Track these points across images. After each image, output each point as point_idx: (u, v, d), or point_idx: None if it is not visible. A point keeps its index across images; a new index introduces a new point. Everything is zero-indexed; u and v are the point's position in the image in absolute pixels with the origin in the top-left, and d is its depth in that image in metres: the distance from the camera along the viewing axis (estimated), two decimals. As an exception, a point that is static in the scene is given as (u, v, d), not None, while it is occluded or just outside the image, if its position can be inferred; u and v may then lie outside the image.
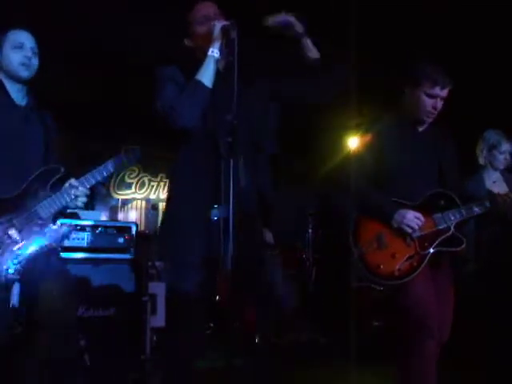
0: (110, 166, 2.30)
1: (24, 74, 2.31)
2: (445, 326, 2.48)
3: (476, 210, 2.56)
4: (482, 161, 3.60)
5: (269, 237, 5.18)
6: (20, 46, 2.30)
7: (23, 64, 2.29)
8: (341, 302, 4.79)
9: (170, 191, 2.43)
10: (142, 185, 7.38)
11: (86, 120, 5.57)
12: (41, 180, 2.25)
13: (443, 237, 2.50)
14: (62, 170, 2.28)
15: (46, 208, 2.21)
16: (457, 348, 3.71)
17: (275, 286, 2.34)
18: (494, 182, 3.54)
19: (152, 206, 6.46)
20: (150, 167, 7.36)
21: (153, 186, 7.44)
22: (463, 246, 2.49)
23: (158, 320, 4.12)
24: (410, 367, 2.39)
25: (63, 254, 3.45)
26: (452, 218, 2.53)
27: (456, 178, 2.67)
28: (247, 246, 2.12)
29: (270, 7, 2.42)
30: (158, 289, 4.22)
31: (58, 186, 2.26)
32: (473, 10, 4.22)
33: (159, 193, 7.46)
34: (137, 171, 7.33)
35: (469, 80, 4.71)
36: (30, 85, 2.42)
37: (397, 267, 2.44)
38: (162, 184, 7.50)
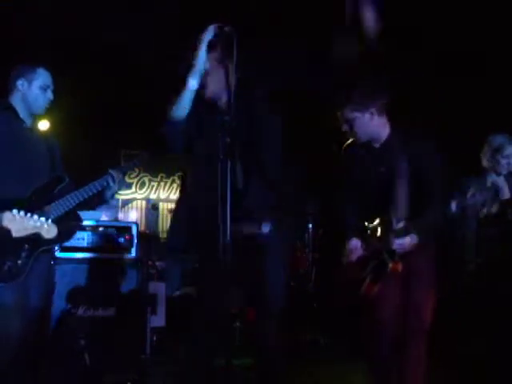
0: (97, 185, 2.54)
1: (43, 112, 2.61)
2: (411, 314, 2.60)
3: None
4: (485, 164, 3.60)
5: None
6: (46, 88, 2.55)
7: (46, 105, 2.58)
8: (341, 302, 4.79)
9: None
10: (142, 185, 7.38)
11: (86, 120, 5.58)
12: (48, 187, 2.51)
13: (374, 262, 2.57)
14: (67, 179, 2.54)
15: (53, 210, 2.44)
16: (457, 348, 3.72)
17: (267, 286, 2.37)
18: (497, 186, 3.54)
19: (152, 206, 6.47)
20: (150, 167, 7.37)
21: (153, 186, 7.45)
22: (388, 269, 2.50)
23: (158, 320, 4.12)
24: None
25: (63, 254, 3.47)
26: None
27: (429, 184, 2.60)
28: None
29: (269, 7, 2.42)
30: (158, 289, 4.22)
31: (62, 192, 2.50)
32: (477, 12, 4.21)
33: (159, 193, 7.46)
34: (137, 171, 7.34)
35: (474, 84, 4.73)
36: None
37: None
38: (162, 184, 7.51)
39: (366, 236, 2.65)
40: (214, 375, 2.36)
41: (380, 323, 2.58)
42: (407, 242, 2.48)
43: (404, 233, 2.47)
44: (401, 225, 2.48)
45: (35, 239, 2.25)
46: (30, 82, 2.52)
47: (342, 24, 4.59)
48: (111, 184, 2.55)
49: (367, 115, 2.59)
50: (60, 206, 2.45)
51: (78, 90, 5.34)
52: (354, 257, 2.63)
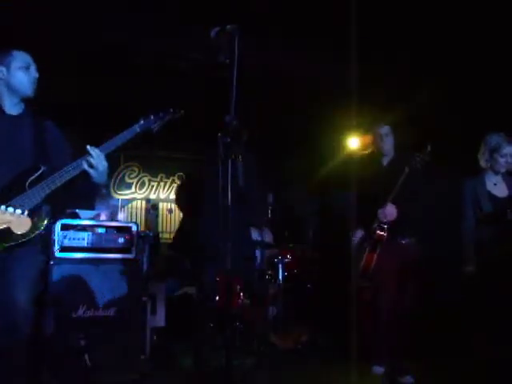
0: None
1: (31, 93, 2.51)
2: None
3: None
4: (483, 163, 3.61)
5: (269, 237, 5.19)
6: (28, 67, 2.47)
7: (32, 83, 2.49)
8: (341, 302, 4.79)
9: None
10: (142, 185, 7.38)
11: (86, 120, 5.57)
12: (20, 178, 2.36)
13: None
14: (42, 168, 2.40)
15: (26, 201, 2.32)
16: (457, 347, 3.72)
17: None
18: (495, 185, 3.55)
19: (152, 206, 6.47)
20: (150, 167, 7.37)
21: (153, 186, 7.44)
22: (375, 235, 3.56)
23: (158, 320, 4.12)
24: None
25: (63, 254, 3.47)
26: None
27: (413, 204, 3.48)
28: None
29: (269, 7, 2.42)
30: (157, 289, 4.22)
31: (35, 182, 2.37)
32: (474, 13, 4.21)
33: (159, 193, 7.46)
34: (137, 171, 7.34)
35: (472, 83, 4.73)
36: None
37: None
38: (161, 184, 7.51)
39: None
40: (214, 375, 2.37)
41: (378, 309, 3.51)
42: (388, 209, 3.45)
43: (383, 204, 3.48)
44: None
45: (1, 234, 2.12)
46: (8, 67, 2.45)
47: (342, 24, 4.59)
48: (92, 161, 2.36)
49: (393, 136, 3.72)
50: (32, 197, 2.31)
51: (78, 90, 5.35)
52: (356, 238, 3.67)
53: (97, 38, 4.71)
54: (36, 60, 2.58)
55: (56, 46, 4.53)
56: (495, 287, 3.24)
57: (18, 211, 2.09)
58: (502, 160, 3.53)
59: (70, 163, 2.38)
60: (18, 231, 2.14)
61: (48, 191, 2.34)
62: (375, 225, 3.53)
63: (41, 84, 2.57)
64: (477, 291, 3.34)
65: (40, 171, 2.38)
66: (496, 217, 3.40)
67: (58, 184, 2.35)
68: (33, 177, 2.36)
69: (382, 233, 3.51)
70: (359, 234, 3.66)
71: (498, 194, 3.50)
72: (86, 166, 2.37)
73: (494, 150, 3.53)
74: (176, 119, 2.62)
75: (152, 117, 2.57)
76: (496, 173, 3.56)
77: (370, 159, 3.87)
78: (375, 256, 3.51)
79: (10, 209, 2.15)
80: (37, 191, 2.34)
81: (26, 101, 2.56)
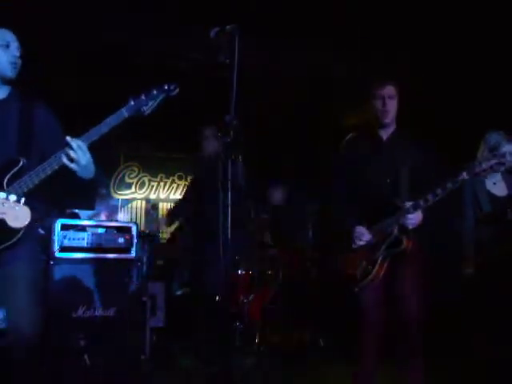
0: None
1: (11, 73, 2.26)
2: (409, 308, 2.74)
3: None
4: (482, 162, 3.60)
5: (266, 237, 5.19)
6: (7, 45, 2.24)
7: (11, 63, 2.24)
8: (341, 302, 4.78)
9: None
10: (142, 185, 7.38)
11: (86, 120, 5.57)
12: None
13: (388, 241, 2.76)
14: (22, 162, 2.13)
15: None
16: (457, 347, 3.72)
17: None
18: (494, 184, 3.54)
19: (152, 206, 6.46)
20: (150, 167, 7.37)
21: (153, 186, 7.44)
22: (403, 246, 2.73)
23: (158, 320, 4.13)
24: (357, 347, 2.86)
25: (63, 254, 3.47)
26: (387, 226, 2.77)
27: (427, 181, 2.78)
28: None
29: (269, 7, 2.42)
30: (157, 289, 4.22)
31: (14, 179, 2.13)
32: (474, 12, 4.22)
33: (159, 193, 7.46)
34: (137, 171, 7.34)
35: (470, 82, 4.72)
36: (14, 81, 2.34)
37: (357, 272, 2.81)
38: (161, 184, 7.51)
39: (370, 223, 2.83)
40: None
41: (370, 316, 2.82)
42: (418, 216, 2.71)
43: (414, 209, 2.69)
44: (410, 203, 2.70)
45: None
46: None
47: (342, 24, 4.59)
48: (72, 154, 2.11)
49: (397, 99, 2.88)
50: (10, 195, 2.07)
51: (78, 90, 5.35)
52: (362, 241, 2.80)
53: (97, 38, 4.71)
54: (36, 60, 2.48)
55: (56, 45, 4.53)
56: (495, 287, 3.24)
57: (13, 197, 1.85)
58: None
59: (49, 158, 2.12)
60: (14, 224, 1.89)
61: (26, 190, 2.09)
62: (396, 233, 2.75)
63: (41, 84, 2.51)
64: (477, 291, 3.34)
65: (19, 165, 2.12)
66: (496, 216, 3.39)
67: (37, 182, 2.10)
68: (10, 173, 2.10)
69: (410, 243, 2.75)
70: (367, 237, 2.80)
71: (498, 193, 3.50)
72: (65, 160, 2.11)
73: (494, 149, 3.53)
74: (171, 97, 2.28)
75: (143, 96, 2.25)
76: (495, 171, 3.56)
77: (364, 134, 3.02)
78: (385, 265, 2.78)
79: (2, 194, 1.84)
80: (14, 190, 2.09)
81: (12, 84, 2.31)
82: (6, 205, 1.90)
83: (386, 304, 2.81)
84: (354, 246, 2.82)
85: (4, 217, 1.92)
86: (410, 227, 2.71)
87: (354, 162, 2.92)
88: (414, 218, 2.70)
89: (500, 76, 4.60)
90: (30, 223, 2.06)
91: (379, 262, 2.75)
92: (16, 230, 2.03)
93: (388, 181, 2.82)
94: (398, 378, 2.79)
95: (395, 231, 2.74)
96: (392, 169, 2.81)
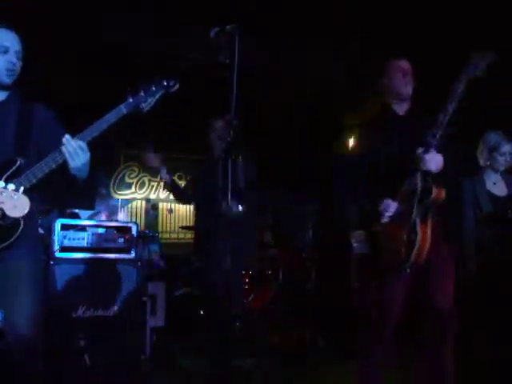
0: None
1: (7, 80, 2.21)
2: (443, 296, 2.58)
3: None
4: (482, 162, 3.61)
5: (266, 237, 5.19)
6: (5, 51, 2.17)
7: (7, 69, 2.18)
8: (341, 302, 4.79)
9: None
10: (142, 185, 7.38)
11: (86, 120, 5.57)
12: None
13: (416, 196, 2.49)
14: (18, 162, 2.10)
15: None
16: (457, 346, 3.71)
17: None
18: (494, 184, 3.54)
19: (152, 206, 6.46)
20: (150, 167, 7.36)
21: (153, 186, 7.44)
22: (433, 194, 2.46)
23: (158, 320, 4.12)
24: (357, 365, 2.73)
25: (63, 254, 3.47)
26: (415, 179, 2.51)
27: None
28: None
29: (269, 7, 2.42)
30: (157, 289, 4.22)
31: (11, 178, 2.09)
32: (474, 12, 4.22)
33: (159, 193, 7.46)
34: (137, 171, 7.34)
35: (471, 83, 4.72)
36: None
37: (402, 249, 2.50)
38: (161, 184, 7.50)
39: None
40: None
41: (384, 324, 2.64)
42: (436, 156, 2.47)
43: (426, 150, 2.46)
44: (421, 149, 2.48)
45: None
46: None
47: (342, 24, 4.60)
48: (67, 155, 2.06)
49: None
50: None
51: (78, 90, 5.35)
52: (390, 212, 2.54)
53: (97, 38, 4.71)
54: (36, 60, 2.43)
55: (56, 45, 4.53)
56: (495, 287, 3.24)
57: (11, 186, 1.78)
58: (501, 158, 3.53)
59: (44, 159, 2.09)
60: (13, 214, 1.82)
61: (23, 189, 2.06)
62: (422, 183, 2.48)
63: (41, 84, 2.50)
64: (477, 291, 3.34)
65: (16, 165, 2.09)
66: (496, 217, 3.39)
67: (34, 181, 2.07)
68: (8, 173, 2.07)
69: (440, 191, 2.47)
70: (393, 206, 2.54)
71: (498, 193, 3.50)
72: (60, 161, 2.07)
73: (493, 149, 3.53)
74: (171, 93, 2.25)
75: (142, 92, 2.21)
76: (495, 171, 3.56)
77: (378, 112, 2.88)
78: (428, 230, 2.47)
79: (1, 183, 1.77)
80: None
81: (12, 88, 2.27)
82: (4, 194, 1.85)
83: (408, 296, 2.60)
84: (383, 220, 2.55)
85: (2, 206, 1.86)
86: (433, 169, 2.46)
87: (370, 139, 2.77)
88: (433, 158, 2.45)
89: (500, 76, 4.59)
90: (29, 213, 1.99)
91: (419, 225, 2.47)
92: (15, 229, 1.99)
93: (404, 154, 2.55)
94: (418, 369, 2.75)
95: (419, 183, 2.48)
96: (410, 144, 2.55)
